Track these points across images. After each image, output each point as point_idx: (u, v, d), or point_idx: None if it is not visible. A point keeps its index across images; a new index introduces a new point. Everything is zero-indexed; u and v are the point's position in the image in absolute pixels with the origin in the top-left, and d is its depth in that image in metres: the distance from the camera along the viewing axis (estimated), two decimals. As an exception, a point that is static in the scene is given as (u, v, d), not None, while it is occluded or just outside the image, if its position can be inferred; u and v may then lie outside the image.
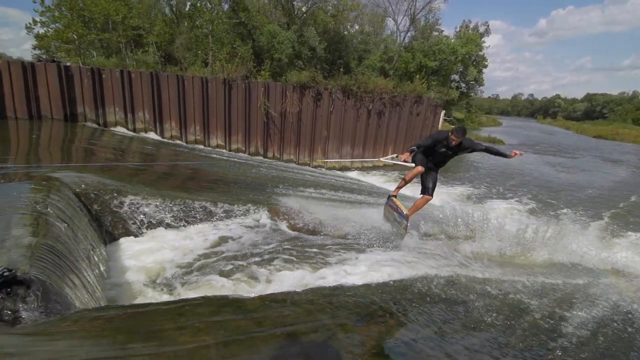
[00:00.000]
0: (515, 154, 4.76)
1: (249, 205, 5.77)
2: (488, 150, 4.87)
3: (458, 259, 4.42)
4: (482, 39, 27.92)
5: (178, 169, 8.01)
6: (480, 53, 28.66)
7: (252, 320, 2.48)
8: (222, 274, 3.35)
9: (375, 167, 13.26)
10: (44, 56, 15.46)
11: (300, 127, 12.18)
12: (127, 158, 8.25)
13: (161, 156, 9.35)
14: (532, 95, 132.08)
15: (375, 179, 11.53)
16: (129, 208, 4.56)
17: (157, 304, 2.63)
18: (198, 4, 17.74)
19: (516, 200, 9.56)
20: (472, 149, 4.80)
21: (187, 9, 18.87)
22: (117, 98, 10.76)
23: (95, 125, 10.63)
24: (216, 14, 16.38)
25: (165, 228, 4.49)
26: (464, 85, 30.60)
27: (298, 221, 5.34)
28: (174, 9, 19.35)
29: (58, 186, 4.07)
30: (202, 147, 11.51)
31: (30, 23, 15.72)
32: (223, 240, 4.27)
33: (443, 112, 16.28)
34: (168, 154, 9.80)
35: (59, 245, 2.85)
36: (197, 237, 4.25)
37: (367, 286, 3.44)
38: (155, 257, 3.68)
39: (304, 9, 19.33)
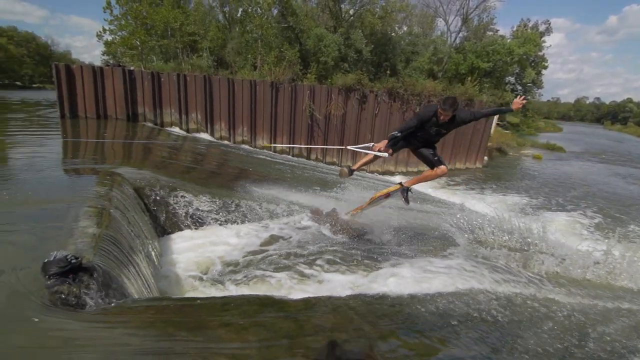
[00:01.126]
0: (522, 103, 4.01)
1: (293, 206, 5.83)
2: (488, 115, 4.40)
3: (522, 273, 4.05)
4: (542, 39, 26.07)
5: (225, 169, 8.31)
6: (540, 53, 26.76)
7: (295, 323, 2.45)
8: (268, 273, 3.38)
9: (419, 172, 12.85)
10: (111, 61, 16.94)
11: (344, 130, 12.13)
12: (180, 157, 8.72)
13: (210, 155, 9.77)
14: (598, 98, 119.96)
15: (421, 185, 11.15)
16: (182, 204, 4.79)
17: (205, 298, 2.71)
18: (249, 10, 18.45)
19: (580, 213, 8.72)
20: (473, 119, 4.09)
21: (238, 15, 19.71)
22: (173, 100, 11.45)
23: (153, 125, 11.40)
24: (266, 19, 16.91)
25: (214, 225, 4.66)
26: (520, 87, 28.71)
27: (341, 224, 5.29)
28: (227, 15, 20.28)
29: (120, 181, 4.38)
30: (248, 147, 11.89)
31: (100, 31, 17.31)
32: (268, 239, 4.33)
33: (496, 116, 15.35)
34: (217, 153, 10.23)
35: (119, 237, 3.05)
36: (244, 236, 4.35)
37: (414, 296, 3.29)
38: (204, 252, 3.82)
39: (351, 12, 19.32)
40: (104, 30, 17.74)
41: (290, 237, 4.46)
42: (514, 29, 28.96)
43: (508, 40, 21.82)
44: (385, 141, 4.06)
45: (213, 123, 11.82)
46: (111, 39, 18.17)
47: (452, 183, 11.00)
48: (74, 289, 2.22)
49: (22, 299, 2.08)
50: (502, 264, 4.21)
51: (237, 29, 18.91)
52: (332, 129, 12.13)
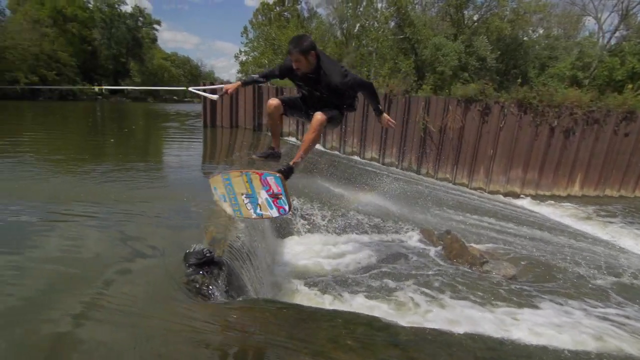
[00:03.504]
0: (387, 124, 3.04)
1: (401, 222, 5.57)
2: (365, 91, 2.96)
3: None
4: None
5: (334, 179, 8.51)
6: None
7: (404, 354, 2.25)
8: (377, 291, 3.24)
9: (553, 196, 10.89)
10: (243, 78, 19.51)
11: (461, 144, 11.16)
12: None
13: (321, 164, 10.19)
14: None
15: (553, 211, 9.46)
16: (296, 209, 5.05)
17: (315, 308, 2.72)
18: (366, 24, 18.88)
19: None
20: (353, 84, 2.82)
21: (355, 30, 20.38)
22: (292, 112, 12.39)
23: (273, 135, 12.53)
24: (382, 32, 17.03)
25: (325, 232, 4.75)
26: None
27: (457, 249, 4.79)
28: (345, 31, 21.17)
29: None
30: (357, 158, 12.00)
31: (237, 53, 20.16)
32: (379, 254, 4.19)
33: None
34: (326, 162, 10.61)
35: (243, 237, 3.34)
36: (355, 247, 4.31)
37: (547, 349, 2.71)
38: (315, 258, 3.91)
39: (475, 18, 17.94)
40: (240, 52, 20.55)
41: (402, 256, 4.22)
42: (702, 21, 22.52)
43: (692, 37, 17.03)
44: (239, 83, 3.31)
45: (325, 134, 12.33)
46: (245, 59, 20.93)
47: (602, 214, 8.98)
48: (206, 280, 2.48)
49: (167, 282, 2.41)
50: None
51: (353, 44, 19.57)
52: (447, 143, 11.30)
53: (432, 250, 4.70)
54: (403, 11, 15.59)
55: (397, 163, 11.85)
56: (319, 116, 2.83)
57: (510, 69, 16.67)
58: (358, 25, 20.18)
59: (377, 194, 7.12)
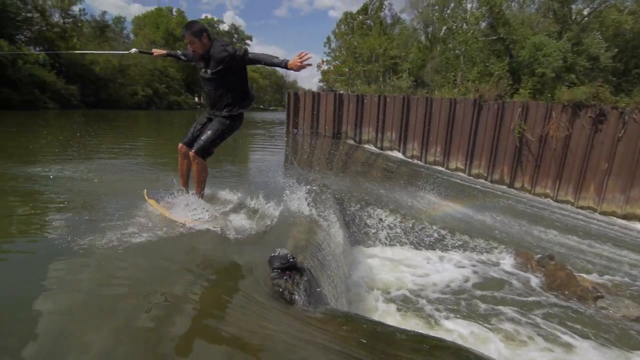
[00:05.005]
0: (301, 64, 2.76)
1: (492, 242, 5.03)
2: (260, 61, 2.99)
3: None
4: None
5: (414, 189, 8.13)
6: None
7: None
8: (470, 317, 2.93)
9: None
10: (324, 87, 20.02)
11: (565, 156, 9.75)
12: (371, 172, 9.16)
13: (400, 174, 9.84)
14: None
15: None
16: (373, 219, 4.92)
17: (397, 329, 2.56)
18: (454, 27, 17.88)
19: None
20: (237, 56, 2.98)
21: (441, 33, 19.44)
22: (373, 119, 12.27)
23: (352, 142, 12.55)
24: (471, 34, 15.94)
25: (405, 246, 4.53)
26: None
27: (559, 277, 4.14)
28: (429, 35, 20.36)
29: (326, 191, 4.89)
30: (440, 168, 11.33)
31: (320, 63, 20.79)
32: (470, 277, 3.82)
33: None
34: (406, 172, 10.21)
35: (322, 244, 3.33)
36: (440, 266, 4.00)
37: None
38: (392, 273, 3.73)
39: (585, 12, 15.68)
40: (322, 61, 21.19)
41: (496, 280, 3.77)
42: None
43: None
44: (165, 52, 3.59)
45: (406, 142, 11.93)
46: (327, 67, 21.52)
47: None
48: (289, 286, 2.50)
49: (251, 283, 2.50)
50: None
51: (438, 48, 18.69)
52: (548, 154, 9.98)
53: (531, 277, 4.12)
54: (497, 10, 14.38)
55: (486, 175, 10.87)
56: (190, 153, 3.25)
57: (631, 68, 14.18)
58: (444, 28, 19.23)
59: (463, 207, 6.57)
